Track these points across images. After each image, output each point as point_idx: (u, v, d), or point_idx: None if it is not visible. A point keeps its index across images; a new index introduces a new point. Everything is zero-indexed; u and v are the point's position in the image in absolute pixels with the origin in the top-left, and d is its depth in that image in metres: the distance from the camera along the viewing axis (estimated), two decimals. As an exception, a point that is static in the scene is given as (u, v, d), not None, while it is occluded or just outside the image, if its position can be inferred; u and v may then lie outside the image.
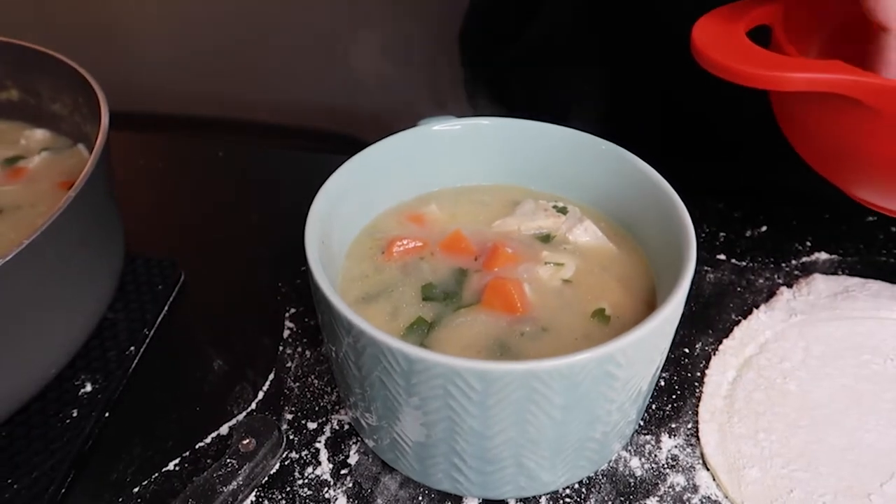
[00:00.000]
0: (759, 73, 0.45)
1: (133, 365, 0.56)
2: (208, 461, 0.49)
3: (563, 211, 0.51)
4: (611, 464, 0.48)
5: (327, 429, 0.51)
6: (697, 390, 0.53)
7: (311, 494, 0.47)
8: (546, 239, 0.50)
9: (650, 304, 0.46)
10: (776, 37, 0.50)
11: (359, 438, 0.50)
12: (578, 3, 0.77)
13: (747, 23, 0.51)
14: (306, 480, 0.48)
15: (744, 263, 0.63)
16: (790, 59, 0.46)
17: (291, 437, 0.51)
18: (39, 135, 0.63)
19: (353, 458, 0.49)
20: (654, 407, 0.52)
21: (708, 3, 0.52)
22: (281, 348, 0.57)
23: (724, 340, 0.56)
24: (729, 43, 0.47)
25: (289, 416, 0.52)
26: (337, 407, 0.52)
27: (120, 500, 0.47)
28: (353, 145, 0.51)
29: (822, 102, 0.46)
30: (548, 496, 0.47)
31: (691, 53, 0.48)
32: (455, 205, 0.53)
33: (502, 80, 0.84)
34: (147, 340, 0.57)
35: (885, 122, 0.44)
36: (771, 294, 0.60)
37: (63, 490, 0.48)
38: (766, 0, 0.52)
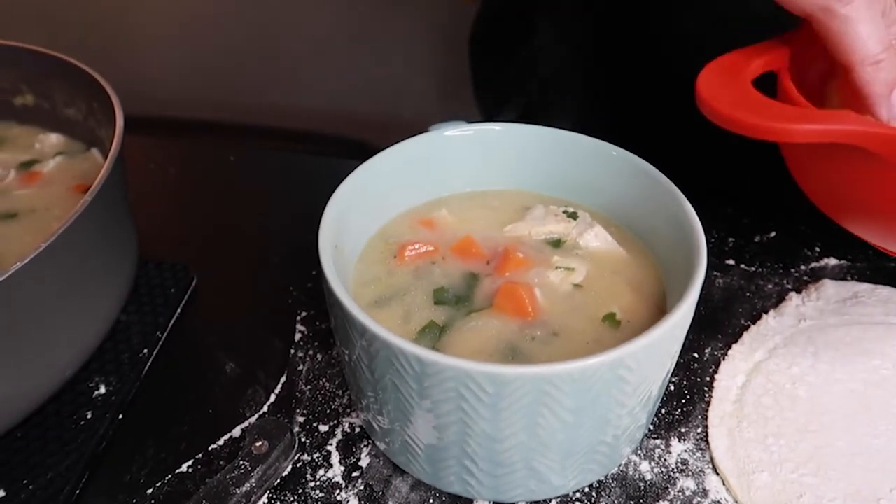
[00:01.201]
0: (768, 125, 0.44)
1: (146, 367, 0.56)
2: (221, 463, 0.50)
3: (573, 216, 0.52)
4: (621, 468, 0.49)
5: (339, 431, 0.51)
6: (707, 395, 0.53)
7: (322, 497, 0.47)
8: (557, 244, 0.50)
9: (661, 309, 0.46)
10: (783, 83, 0.49)
11: (370, 441, 0.50)
12: (584, 12, 0.77)
13: (753, 71, 0.50)
14: (318, 483, 0.48)
15: (753, 269, 0.63)
16: (798, 110, 0.45)
17: (303, 439, 0.51)
18: (54, 139, 0.64)
19: (364, 461, 0.49)
20: (663, 411, 0.52)
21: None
22: (292, 351, 0.57)
23: (734, 345, 0.56)
24: (735, 93, 0.47)
25: (300, 419, 0.52)
26: (348, 410, 0.53)
27: (134, 501, 0.48)
28: (365, 150, 0.51)
29: (831, 150, 0.45)
30: (558, 500, 0.47)
31: (696, 104, 0.47)
32: (466, 209, 0.53)
33: (512, 86, 0.85)
34: (160, 343, 0.58)
35: (893, 171, 0.44)
36: (780, 299, 0.60)
37: (77, 491, 0.48)
38: (770, 47, 0.51)
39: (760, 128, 0.44)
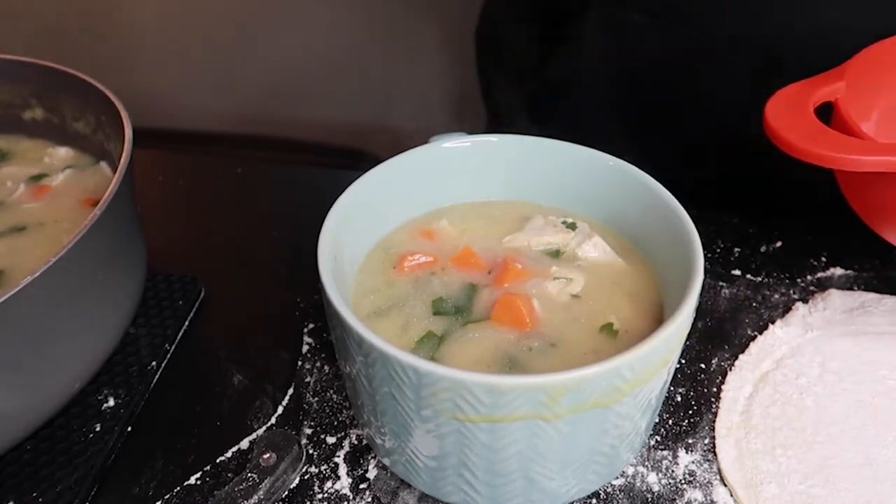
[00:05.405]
0: (835, 156, 0.48)
1: (155, 380, 0.56)
2: (229, 475, 0.50)
3: (572, 227, 0.52)
4: (628, 479, 0.48)
5: (346, 443, 0.51)
6: (714, 406, 0.53)
7: (329, 508, 0.48)
8: (555, 254, 0.50)
9: (659, 319, 0.46)
10: (841, 113, 0.53)
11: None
12: (590, 31, 0.77)
13: (815, 101, 0.53)
14: (326, 495, 0.48)
15: (759, 279, 0.62)
16: (864, 143, 0.49)
17: (311, 451, 0.51)
18: (63, 153, 0.64)
19: (371, 473, 0.49)
20: (670, 422, 0.52)
21: None
22: (300, 363, 0.57)
23: (740, 356, 0.56)
24: (803, 124, 0.51)
25: (308, 431, 0.52)
26: (355, 422, 0.53)
27: (141, 513, 0.48)
28: (370, 161, 0.52)
29: (890, 179, 0.49)
30: (563, 510, 0.47)
31: (766, 133, 0.51)
32: (465, 220, 0.53)
33: (515, 97, 0.85)
34: (168, 356, 0.58)
35: None
36: (787, 309, 0.59)
37: (87, 503, 0.49)
38: (830, 79, 0.54)
39: (831, 159, 0.48)
